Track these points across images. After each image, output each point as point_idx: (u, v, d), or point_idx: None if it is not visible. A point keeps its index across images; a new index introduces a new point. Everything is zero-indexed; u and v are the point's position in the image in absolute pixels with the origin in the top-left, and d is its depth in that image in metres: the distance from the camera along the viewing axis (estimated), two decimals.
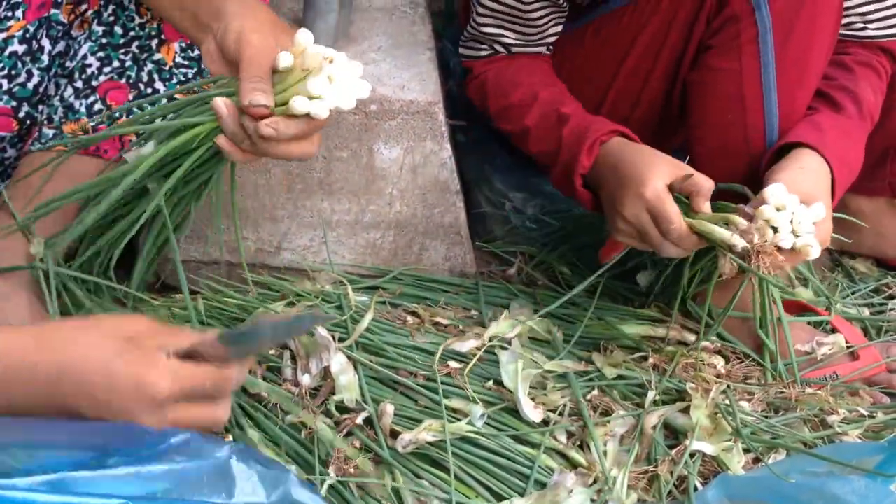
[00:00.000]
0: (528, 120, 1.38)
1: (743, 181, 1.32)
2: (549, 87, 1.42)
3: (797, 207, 1.19)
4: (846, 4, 1.36)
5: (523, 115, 1.39)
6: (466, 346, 1.30)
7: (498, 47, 1.45)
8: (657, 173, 1.21)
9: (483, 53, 1.46)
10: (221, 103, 0.97)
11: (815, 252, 1.19)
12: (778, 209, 1.19)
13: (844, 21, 1.38)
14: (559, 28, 1.46)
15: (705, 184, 1.21)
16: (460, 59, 1.50)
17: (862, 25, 1.40)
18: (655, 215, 1.21)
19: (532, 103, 1.39)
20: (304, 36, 0.95)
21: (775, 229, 1.18)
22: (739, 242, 1.17)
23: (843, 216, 1.43)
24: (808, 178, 1.24)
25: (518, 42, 1.44)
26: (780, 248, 1.19)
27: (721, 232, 1.18)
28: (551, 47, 1.48)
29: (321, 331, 1.23)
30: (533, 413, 1.22)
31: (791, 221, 1.19)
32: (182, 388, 0.79)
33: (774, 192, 1.20)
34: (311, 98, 0.94)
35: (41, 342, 0.79)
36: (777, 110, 1.31)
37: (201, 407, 0.81)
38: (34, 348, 0.79)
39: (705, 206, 1.21)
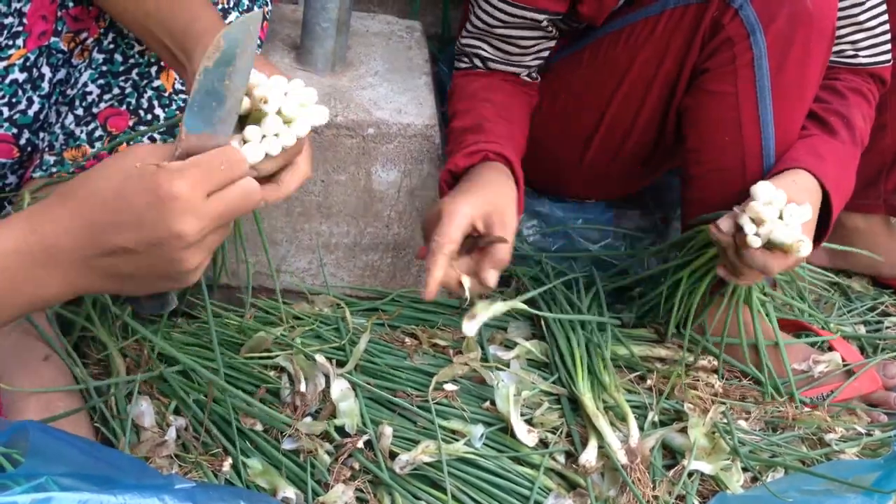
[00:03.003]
0: (457, 124, 1.35)
1: (738, 203, 1.34)
2: (497, 111, 1.37)
3: (785, 205, 1.21)
4: (839, 33, 1.39)
5: (456, 119, 1.36)
6: (461, 371, 1.31)
7: (476, 60, 1.45)
8: (472, 199, 1.15)
9: (462, 66, 1.47)
10: None
11: (806, 249, 1.19)
12: (766, 204, 1.20)
13: (836, 49, 1.40)
14: (545, 54, 1.46)
15: (503, 257, 1.14)
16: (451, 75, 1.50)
17: (853, 53, 1.42)
18: (435, 223, 1.14)
19: (471, 110, 1.36)
20: (252, 77, 0.90)
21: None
22: (751, 232, 1.19)
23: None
24: (799, 191, 1.26)
25: (494, 57, 1.44)
26: (770, 248, 1.20)
27: (605, 431, 1.20)
28: (532, 75, 1.48)
29: (320, 357, 1.24)
30: (527, 437, 1.23)
31: (780, 217, 1.20)
32: (194, 181, 0.78)
33: (762, 188, 1.21)
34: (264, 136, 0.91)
35: (66, 206, 0.80)
36: (773, 132, 1.33)
37: (228, 190, 0.80)
38: (57, 220, 0.80)
39: (490, 277, 1.13)
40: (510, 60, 1.45)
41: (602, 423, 1.23)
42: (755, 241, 1.20)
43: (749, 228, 1.20)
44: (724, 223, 1.24)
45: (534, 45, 1.43)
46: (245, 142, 0.88)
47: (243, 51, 0.83)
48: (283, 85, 0.91)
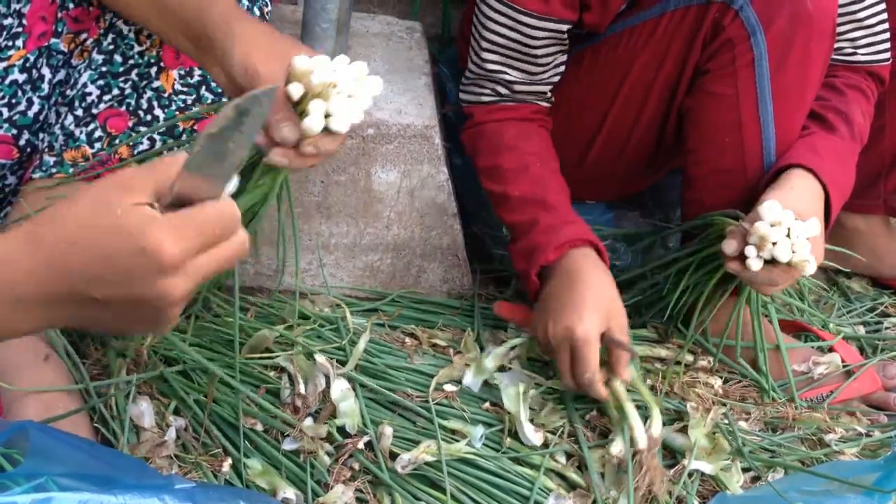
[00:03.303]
0: (512, 189, 1.37)
1: (738, 203, 1.34)
2: (542, 163, 1.39)
3: (792, 223, 1.21)
4: (838, 30, 1.39)
5: (508, 182, 1.37)
6: (461, 372, 1.31)
7: (500, 88, 1.41)
8: (596, 317, 1.25)
9: (485, 99, 1.43)
10: (281, 156, 0.98)
11: (811, 267, 1.21)
12: (773, 225, 1.21)
13: (835, 46, 1.40)
14: (562, 68, 1.43)
15: (628, 355, 1.26)
16: (461, 104, 1.47)
17: (852, 51, 1.42)
18: (576, 356, 1.24)
19: (521, 172, 1.37)
20: (301, 63, 0.95)
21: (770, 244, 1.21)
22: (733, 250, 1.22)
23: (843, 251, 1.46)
24: (801, 198, 1.26)
25: (520, 80, 1.40)
26: (776, 263, 1.21)
27: (631, 414, 1.22)
28: (552, 99, 1.46)
29: (320, 357, 1.23)
30: (534, 437, 1.23)
31: (787, 236, 1.21)
32: (189, 242, 0.72)
33: (769, 208, 1.22)
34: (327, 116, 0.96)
35: (37, 248, 0.72)
36: (774, 133, 1.33)
37: (220, 248, 0.74)
38: (33, 259, 0.72)
39: (626, 374, 1.27)
40: (534, 80, 1.42)
41: (629, 407, 1.24)
42: (756, 264, 1.22)
43: (750, 251, 1.22)
44: (729, 246, 1.25)
45: (552, 59, 1.41)
46: (306, 115, 0.92)
47: (252, 121, 0.82)
48: (330, 63, 0.94)
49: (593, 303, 1.25)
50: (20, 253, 0.72)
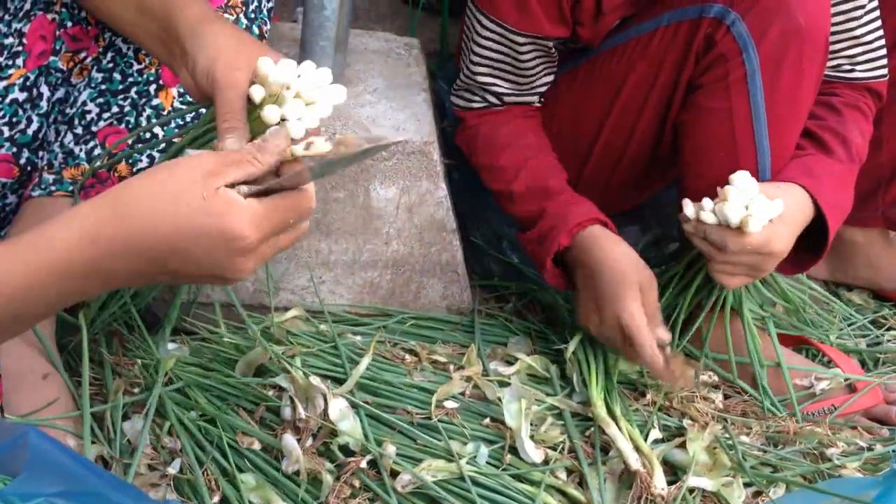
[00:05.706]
0: (516, 185, 1.40)
1: None
2: (539, 155, 1.43)
3: (757, 195, 1.24)
4: (835, 48, 1.39)
5: (511, 180, 1.40)
6: (461, 388, 1.31)
7: (490, 97, 1.45)
8: (633, 298, 1.28)
9: (476, 105, 1.46)
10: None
11: (753, 225, 1.22)
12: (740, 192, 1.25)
13: (833, 63, 1.40)
14: (550, 77, 1.46)
15: (665, 336, 1.30)
16: (453, 107, 1.50)
17: (850, 67, 1.42)
18: (631, 341, 1.28)
19: (521, 168, 1.40)
20: (263, 65, 0.93)
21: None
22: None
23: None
24: (781, 193, 1.27)
25: (510, 91, 1.44)
26: (729, 228, 1.24)
27: (618, 437, 1.25)
28: (542, 99, 1.49)
29: (315, 380, 1.23)
30: (535, 454, 1.22)
31: (747, 208, 1.24)
32: (266, 232, 0.79)
33: (739, 175, 1.26)
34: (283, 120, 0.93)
35: (120, 224, 0.78)
36: (768, 147, 1.33)
37: (288, 233, 0.83)
38: (113, 234, 0.78)
39: (664, 334, 1.30)
40: (523, 91, 1.45)
41: (614, 430, 1.24)
42: (709, 217, 1.25)
43: (706, 204, 1.26)
44: (688, 206, 1.29)
45: (542, 70, 1.44)
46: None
47: (364, 157, 0.87)
48: (295, 68, 0.92)
49: (625, 285, 1.28)
50: (110, 237, 0.78)
